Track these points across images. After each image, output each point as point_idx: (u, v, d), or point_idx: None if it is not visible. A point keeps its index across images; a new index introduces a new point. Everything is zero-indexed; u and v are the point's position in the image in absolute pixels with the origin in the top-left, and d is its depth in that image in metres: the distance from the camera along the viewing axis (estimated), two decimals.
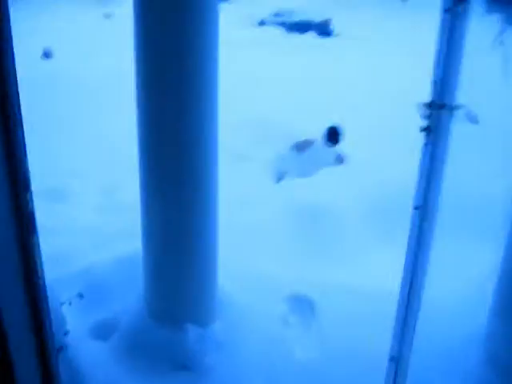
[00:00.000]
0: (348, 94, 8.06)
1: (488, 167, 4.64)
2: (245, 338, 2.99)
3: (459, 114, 1.93)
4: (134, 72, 2.51)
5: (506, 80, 3.56)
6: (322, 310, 3.37)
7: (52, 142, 6.41)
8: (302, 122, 6.84)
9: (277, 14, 16.37)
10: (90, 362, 2.80)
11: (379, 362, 2.38)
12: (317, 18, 15.78)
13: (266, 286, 3.42)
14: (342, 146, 6.02)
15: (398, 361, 2.31)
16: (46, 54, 11.32)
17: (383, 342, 2.41)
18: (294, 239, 4.19)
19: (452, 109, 1.91)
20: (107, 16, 14.21)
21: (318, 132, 5.97)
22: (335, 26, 15.86)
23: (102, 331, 2.95)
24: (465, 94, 1.95)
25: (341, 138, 6.08)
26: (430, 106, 1.96)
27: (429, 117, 1.94)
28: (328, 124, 5.98)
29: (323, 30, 15.56)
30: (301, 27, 15.56)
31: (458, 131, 1.94)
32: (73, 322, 2.89)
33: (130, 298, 3.07)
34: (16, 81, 1.17)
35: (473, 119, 2.00)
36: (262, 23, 16.63)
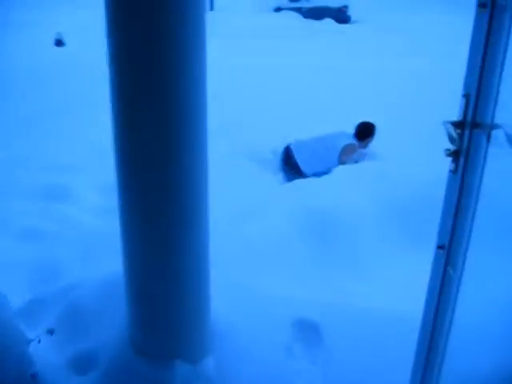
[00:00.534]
0: (368, 86, 7.67)
1: None
2: (240, 374, 2.64)
3: (497, 136, 1.54)
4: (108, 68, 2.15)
5: None
6: (330, 338, 3.01)
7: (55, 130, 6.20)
8: (314, 115, 6.49)
9: (292, 0, 15.93)
10: None
11: None
12: (333, 4, 15.32)
13: (269, 309, 3.05)
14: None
15: None
16: (58, 42, 11.49)
17: (400, 376, 2.09)
18: (301, 253, 3.83)
19: (488, 129, 1.53)
20: None
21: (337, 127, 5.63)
22: (352, 12, 15.44)
23: (80, 365, 2.61)
24: (505, 110, 1.56)
25: (373, 136, 5.69)
26: (460, 125, 1.57)
27: (458, 138, 1.56)
28: (356, 119, 5.62)
29: (340, 16, 15.13)
30: (317, 13, 15.17)
31: (495, 156, 1.55)
32: (49, 353, 2.58)
33: (113, 326, 2.73)
34: None
35: None
36: (277, 9, 16.25)
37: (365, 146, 5.66)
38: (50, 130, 6.21)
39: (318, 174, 5.24)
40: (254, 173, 5.18)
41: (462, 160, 1.59)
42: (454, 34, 7.81)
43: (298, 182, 4.90)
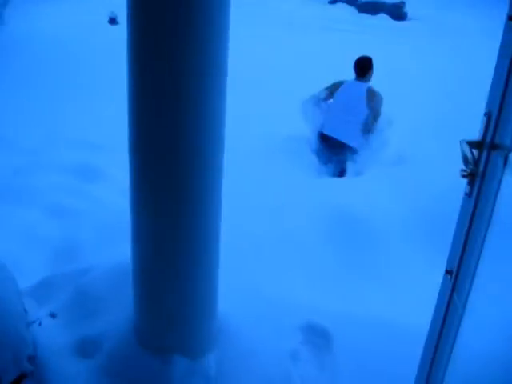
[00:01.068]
0: (413, 87, 7.47)
1: None
2: (241, 375, 2.58)
3: None
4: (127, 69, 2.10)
5: None
6: (340, 346, 2.92)
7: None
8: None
9: None
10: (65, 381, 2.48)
11: None
12: None
13: (279, 312, 2.98)
14: (398, 144, 5.51)
15: None
16: (112, 20, 11.71)
17: None
18: (322, 256, 3.74)
19: (506, 151, 1.41)
20: None
21: None
22: (409, 9, 15.06)
23: (82, 350, 2.59)
24: None
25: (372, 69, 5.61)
26: (478, 145, 1.46)
27: (472, 160, 1.45)
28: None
29: (396, 12, 14.78)
30: (373, 8, 14.87)
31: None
32: (51, 336, 2.57)
33: (118, 314, 2.71)
34: None
35: None
36: (333, 1, 16.01)
37: (368, 80, 5.63)
38: (87, 108, 6.25)
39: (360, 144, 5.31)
40: (281, 166, 5.08)
41: (477, 183, 1.47)
42: None
43: (325, 179, 4.80)
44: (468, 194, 1.52)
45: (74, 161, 5.02)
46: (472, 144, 1.45)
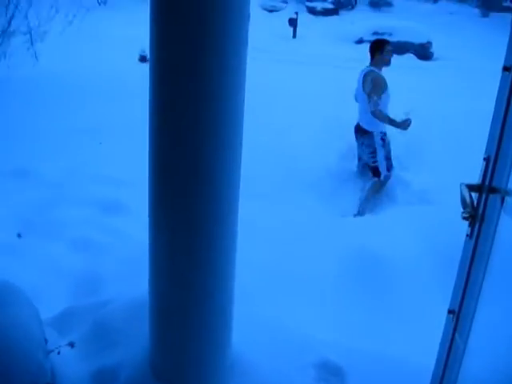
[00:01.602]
0: (437, 127, 7.51)
1: None
2: None
3: None
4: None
5: None
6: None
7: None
8: None
9: (375, 33, 15.85)
10: None
11: None
12: (416, 39, 15.11)
13: (293, 348, 3.00)
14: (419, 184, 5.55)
15: None
16: (143, 58, 12.08)
17: None
18: (340, 293, 3.76)
19: (503, 194, 1.46)
20: None
21: None
22: (436, 49, 15.16)
23: (98, 381, 2.66)
24: None
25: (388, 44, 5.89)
26: (477, 188, 1.51)
27: (470, 204, 1.50)
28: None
29: (423, 52, 14.90)
30: (399, 48, 14.97)
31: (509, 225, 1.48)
32: (69, 365, 2.64)
33: (135, 346, 2.77)
34: None
35: None
36: (359, 41, 16.23)
37: (376, 64, 5.77)
38: (113, 143, 6.41)
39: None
40: (301, 200, 5.15)
41: (477, 225, 1.52)
42: None
43: (348, 217, 4.83)
44: (469, 236, 1.56)
45: (97, 195, 5.15)
46: (471, 187, 1.51)
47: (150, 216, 2.39)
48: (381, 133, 5.68)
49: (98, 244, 4.37)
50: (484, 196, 1.48)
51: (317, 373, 2.96)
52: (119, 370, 2.68)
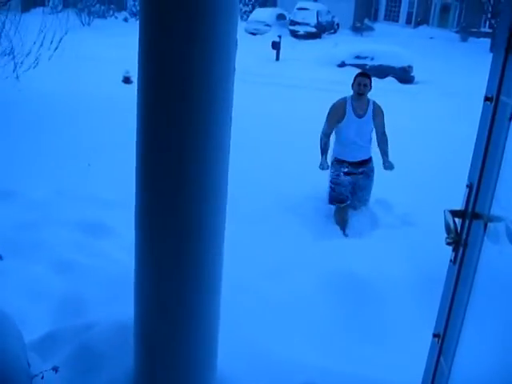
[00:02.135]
0: (419, 148, 7.61)
1: None
2: None
3: (497, 229, 1.50)
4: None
5: None
6: None
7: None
8: None
9: (357, 57, 16.09)
10: None
11: None
12: (397, 63, 15.35)
13: (278, 372, 2.99)
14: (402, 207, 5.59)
15: None
16: (126, 80, 12.13)
17: None
18: (324, 317, 3.77)
19: (488, 221, 1.49)
20: None
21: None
22: (417, 72, 15.41)
23: None
24: (508, 203, 1.53)
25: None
26: (461, 214, 1.55)
27: (454, 230, 1.53)
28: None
29: (404, 76, 15.13)
30: (381, 72, 15.22)
31: (495, 251, 1.51)
32: None
33: (119, 370, 2.75)
34: None
35: None
36: (341, 64, 16.45)
37: (357, 89, 5.71)
38: (99, 166, 6.41)
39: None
40: (288, 224, 5.17)
41: (461, 250, 1.56)
42: None
43: (333, 241, 4.86)
44: (452, 261, 1.59)
45: (82, 216, 5.12)
46: (455, 213, 1.54)
47: (136, 239, 2.40)
48: (334, 158, 5.75)
49: (82, 266, 4.33)
50: (467, 222, 1.51)
51: None
52: None
